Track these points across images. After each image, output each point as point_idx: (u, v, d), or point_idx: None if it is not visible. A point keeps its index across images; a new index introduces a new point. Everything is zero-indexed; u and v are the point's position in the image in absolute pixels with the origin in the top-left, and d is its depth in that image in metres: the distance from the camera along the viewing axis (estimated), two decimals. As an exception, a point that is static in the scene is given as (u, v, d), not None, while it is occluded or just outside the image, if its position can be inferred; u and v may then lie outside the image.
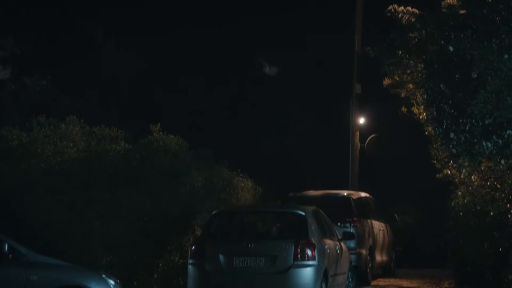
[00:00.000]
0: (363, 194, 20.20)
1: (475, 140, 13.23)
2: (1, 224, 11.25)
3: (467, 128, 13.23)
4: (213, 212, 14.04)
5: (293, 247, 12.84)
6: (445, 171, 16.71)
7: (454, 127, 13.44)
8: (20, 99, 20.14)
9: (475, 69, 12.96)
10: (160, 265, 14.28)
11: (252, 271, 12.82)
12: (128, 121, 17.75)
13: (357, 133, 24.22)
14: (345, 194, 19.36)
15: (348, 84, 24.24)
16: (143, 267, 13.94)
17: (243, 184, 17.44)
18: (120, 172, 14.10)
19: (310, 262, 12.83)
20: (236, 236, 13.38)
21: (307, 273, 12.79)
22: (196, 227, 15.18)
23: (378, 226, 20.10)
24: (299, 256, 12.80)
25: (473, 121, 13.05)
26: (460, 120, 13.26)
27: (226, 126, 26.45)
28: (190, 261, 13.12)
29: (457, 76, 13.27)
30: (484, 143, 13.06)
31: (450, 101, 13.40)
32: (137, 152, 14.71)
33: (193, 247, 13.15)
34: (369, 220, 19.32)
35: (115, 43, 24.35)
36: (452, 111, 13.39)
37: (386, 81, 18.11)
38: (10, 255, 9.74)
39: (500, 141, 13.03)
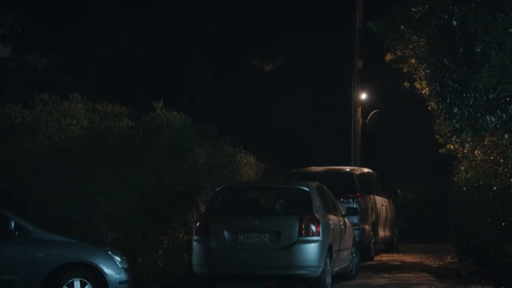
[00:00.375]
0: (366, 170, 20.26)
1: (479, 115, 13.22)
2: (6, 201, 11.24)
3: (470, 102, 13.21)
4: (217, 189, 14.05)
5: (297, 222, 12.85)
6: (448, 146, 16.71)
7: (457, 101, 13.42)
8: (21, 77, 20.05)
9: (479, 43, 12.91)
10: (165, 241, 14.29)
11: (257, 247, 12.84)
12: (131, 98, 17.67)
13: (359, 109, 24.21)
14: (348, 169, 19.42)
15: (350, 60, 24.19)
16: (148, 243, 13.93)
17: (246, 161, 17.40)
18: (124, 149, 14.05)
19: (315, 238, 12.84)
20: (241, 212, 13.37)
21: (311, 248, 12.81)
22: (200, 203, 15.17)
23: (381, 201, 20.17)
24: (303, 231, 12.82)
25: (477, 95, 13.03)
26: (464, 95, 13.24)
27: (227, 102, 26.39)
28: (195, 237, 13.16)
29: (460, 50, 13.22)
30: (488, 117, 13.05)
31: (454, 76, 13.37)
32: (141, 129, 14.68)
33: (198, 224, 13.18)
34: (372, 196, 19.39)
35: (118, 16, 24.15)
36: (456, 85, 13.36)
37: (388, 56, 18.07)
38: (17, 232, 9.75)
39: (504, 116, 13.02)
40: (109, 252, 10.56)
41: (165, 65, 25.94)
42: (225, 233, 12.95)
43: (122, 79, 24.40)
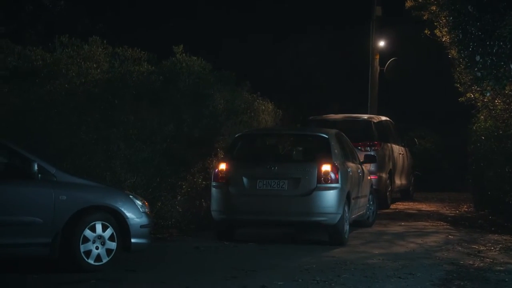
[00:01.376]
0: (383, 118, 20.26)
1: (502, 63, 13.11)
2: (28, 144, 11.29)
3: (494, 50, 13.10)
4: (236, 135, 14.05)
5: (316, 169, 12.87)
6: (468, 95, 16.65)
7: (480, 49, 13.30)
8: (39, 20, 19.96)
9: (505, -11, 12.76)
10: (184, 187, 14.30)
11: (276, 194, 12.88)
12: (150, 43, 17.60)
13: (377, 57, 24.09)
14: (366, 117, 19.42)
15: (369, 6, 23.99)
16: (166, 188, 13.95)
17: (263, 107, 17.39)
18: (144, 93, 14.01)
19: (334, 185, 12.86)
20: (259, 159, 13.36)
21: (330, 195, 12.84)
22: (218, 149, 15.17)
23: (398, 150, 20.21)
24: (322, 179, 12.84)
25: (501, 43, 12.91)
26: (487, 43, 13.12)
27: (246, 49, 26.27)
28: (214, 183, 13.22)
29: (486, -4, 13.08)
30: (511, 65, 12.94)
31: (478, 23, 13.22)
32: (161, 74, 14.61)
33: (216, 170, 13.22)
34: (389, 144, 19.42)
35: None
36: (480, 33, 13.23)
37: (408, 3, 17.91)
38: (40, 175, 9.78)
39: (528, 64, 12.92)
40: (131, 196, 10.57)
41: (182, 10, 25.79)
42: (244, 179, 12.99)
43: (140, 23, 24.32)
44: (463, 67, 14.88)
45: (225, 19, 26.62)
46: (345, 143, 14.64)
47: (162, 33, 24.07)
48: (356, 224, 15.14)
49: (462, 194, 22.09)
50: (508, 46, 12.64)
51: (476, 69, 13.49)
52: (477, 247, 13.09)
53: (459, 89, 16.70)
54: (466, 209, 19.40)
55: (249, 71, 21.39)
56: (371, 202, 15.91)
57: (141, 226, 10.50)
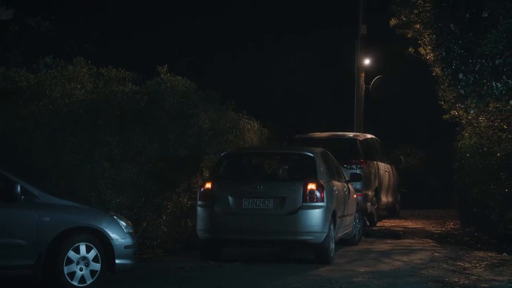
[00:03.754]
0: (369, 136, 20.23)
1: (485, 81, 13.13)
2: (11, 166, 11.22)
3: (476, 68, 13.12)
4: (222, 154, 14.06)
5: (302, 188, 12.87)
6: (452, 112, 16.67)
7: (463, 67, 13.33)
8: (24, 40, 19.90)
9: (486, 8, 12.80)
10: (169, 206, 14.29)
11: (261, 212, 12.87)
12: (134, 63, 17.57)
13: (362, 75, 24.10)
14: (352, 135, 19.39)
15: (354, 25, 24.05)
16: (152, 208, 13.93)
17: (249, 126, 17.41)
18: (128, 113, 14.00)
19: (319, 204, 12.86)
20: (245, 178, 13.38)
21: (316, 214, 12.83)
22: (204, 169, 15.18)
23: (384, 167, 20.18)
24: (308, 197, 12.83)
25: (483, 61, 12.93)
26: (470, 60, 13.15)
27: (230, 67, 26.29)
28: (199, 202, 13.19)
29: (467, 15, 13.11)
30: (494, 83, 12.97)
31: (460, 41, 13.27)
32: (145, 94, 14.62)
33: (202, 189, 13.19)
34: (375, 162, 19.39)
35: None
36: (462, 51, 13.27)
37: (393, 22, 17.97)
38: (23, 197, 9.72)
39: (510, 82, 12.92)
40: (115, 217, 10.52)
41: (166, 29, 25.78)
42: (230, 198, 12.97)
43: (125, 44, 24.28)
44: (446, 84, 14.95)
45: (215, 34, 26.61)
46: (331, 161, 14.66)
47: (149, 50, 24.05)
48: (343, 242, 15.11)
49: (448, 211, 22.07)
50: (490, 64, 12.68)
51: (459, 86, 13.52)
52: (462, 264, 13.09)
53: (444, 106, 16.68)
54: (452, 226, 19.39)
55: (235, 89, 21.38)
56: (357, 220, 15.90)
57: (126, 247, 10.45)
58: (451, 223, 19.89)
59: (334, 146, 17.35)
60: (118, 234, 10.37)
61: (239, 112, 17.41)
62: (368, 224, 17.32)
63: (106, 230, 10.27)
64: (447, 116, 16.95)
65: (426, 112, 24.77)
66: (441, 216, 21.81)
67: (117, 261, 10.34)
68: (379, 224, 19.61)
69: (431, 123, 24.88)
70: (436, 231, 18.40)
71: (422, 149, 26.53)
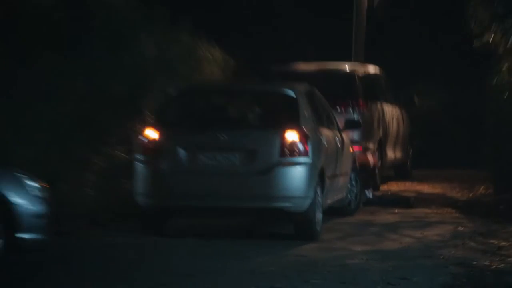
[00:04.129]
0: (371, 69, 20.23)
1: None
2: None
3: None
4: (171, 91, 14.05)
5: (279, 138, 12.91)
6: (485, 38, 16.61)
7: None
8: None
9: None
10: (98, 162, 14.31)
11: (224, 171, 12.93)
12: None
13: (365, -13, 23.93)
14: (348, 68, 19.33)
15: None
16: (74, 165, 13.93)
17: (209, 55, 17.38)
18: (45, 34, 13.94)
19: (302, 159, 12.93)
20: (202, 124, 13.41)
21: (297, 173, 12.89)
22: (146, 111, 15.18)
23: (391, 111, 20.23)
24: (287, 150, 12.88)
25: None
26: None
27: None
28: (139, 157, 13.18)
29: None
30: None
31: None
32: (66, 8, 14.51)
33: (143, 139, 13.16)
34: (379, 104, 19.43)
35: None
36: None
37: None
38: None
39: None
40: (18, 175, 10.35)
41: None
42: (181, 151, 13.01)
43: None
44: (479, 1, 14.87)
45: None
46: (319, 102, 14.66)
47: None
48: (334, 211, 15.12)
49: (477, 171, 22.06)
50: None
51: (495, 4, 13.49)
52: (496, 242, 13.10)
53: (474, 30, 16.74)
54: (482, 191, 19.46)
55: (192, 6, 21.12)
56: (353, 182, 15.92)
57: (35, 216, 10.33)
58: (482, 187, 19.93)
59: (324, 82, 17.20)
60: (24, 199, 10.23)
61: (196, 36, 17.29)
62: (368, 192, 17.25)
63: (5, 193, 10.09)
64: (478, 44, 16.93)
65: (449, 38, 24.69)
66: (468, 178, 21.82)
67: (22, 235, 10.18)
68: (383, 188, 19.64)
69: (455, 53, 24.79)
70: (461, 198, 18.48)
71: (444, 87, 26.48)
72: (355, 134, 17.46)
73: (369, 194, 17.22)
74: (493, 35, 16.38)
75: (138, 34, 15.30)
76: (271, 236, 13.46)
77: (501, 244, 12.95)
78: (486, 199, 18.18)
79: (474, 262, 11.52)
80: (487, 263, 11.51)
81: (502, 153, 17.52)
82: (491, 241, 13.21)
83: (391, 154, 20.29)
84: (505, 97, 17.13)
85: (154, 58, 15.49)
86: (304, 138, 12.94)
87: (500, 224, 14.90)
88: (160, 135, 13.07)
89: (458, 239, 13.39)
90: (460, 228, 14.45)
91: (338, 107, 17.54)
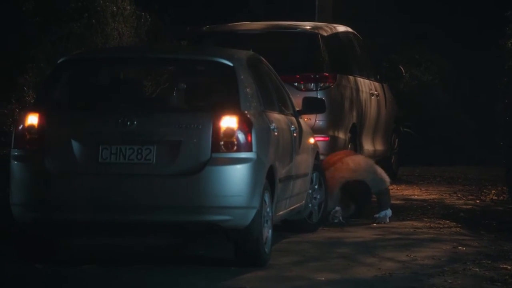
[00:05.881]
0: (341, 29, 20.42)
1: None
2: None
3: None
4: (60, 61, 13.95)
5: (210, 126, 12.95)
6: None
7: None
8: None
9: None
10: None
11: (135, 171, 12.95)
12: None
13: None
14: (309, 28, 19.41)
15: None
16: None
17: (115, 8, 17.45)
18: None
19: (243, 155, 12.99)
20: (104, 107, 13.50)
21: (236, 174, 12.95)
22: (25, 87, 15.24)
23: (368, 87, 20.33)
24: (222, 143, 12.93)
25: None
26: None
27: None
28: (16, 152, 13.17)
29: None
30: None
31: None
32: None
33: (21, 126, 13.14)
34: (351, 77, 19.60)
35: None
36: None
37: None
38: None
39: None
40: None
41: None
42: (75, 144, 13.01)
43: None
44: None
45: None
46: (267, 76, 14.78)
47: None
48: (288, 226, 15.39)
49: (487, 169, 22.35)
50: None
51: None
52: (509, 268, 13.26)
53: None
54: (493, 198, 19.64)
55: None
56: (315, 186, 16.03)
57: None
58: (492, 191, 20.13)
59: (275, 48, 17.45)
60: None
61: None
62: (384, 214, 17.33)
63: None
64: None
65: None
66: (475, 178, 22.08)
67: None
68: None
69: (460, 11, 25.04)
70: (464, 207, 18.73)
71: (442, 53, 26.70)
72: (319, 120, 17.63)
73: (386, 217, 17.26)
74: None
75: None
76: (201, 261, 13.52)
77: (517, 270, 13.18)
78: (498, 208, 18.48)
79: (479, 297, 11.75)
80: (497, 298, 11.75)
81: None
82: (502, 265, 13.35)
83: (369, 146, 20.47)
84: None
85: (34, 13, 15.57)
86: (246, 125, 12.96)
87: (518, 244, 15.17)
88: (46, 122, 13.03)
89: (457, 263, 13.51)
90: (460, 248, 14.60)
91: (296, 82, 17.74)
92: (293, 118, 15.07)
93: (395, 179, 21.79)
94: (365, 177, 16.80)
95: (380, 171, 17.08)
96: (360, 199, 16.90)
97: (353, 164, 16.87)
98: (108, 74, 14.45)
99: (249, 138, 12.98)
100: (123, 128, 12.98)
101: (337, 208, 16.76)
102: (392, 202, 18.71)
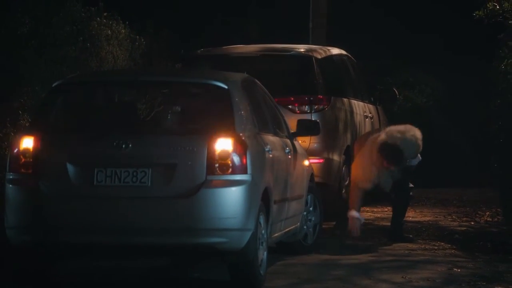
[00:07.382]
0: (335, 52, 20.39)
1: None
2: None
3: None
4: (55, 84, 13.99)
5: (206, 148, 12.95)
6: (489, 5, 16.79)
7: None
8: None
9: None
10: None
11: (130, 194, 12.92)
12: None
13: None
14: (303, 50, 19.40)
15: None
16: None
17: (109, 32, 17.50)
18: None
19: (238, 177, 12.98)
20: (99, 130, 13.46)
21: (231, 196, 12.93)
22: (20, 111, 15.24)
23: (362, 109, 20.37)
24: (217, 165, 12.92)
25: None
26: None
27: None
28: (11, 176, 13.18)
29: None
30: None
31: None
32: None
33: (16, 150, 13.16)
34: (345, 99, 19.57)
35: None
36: None
37: None
38: None
39: None
40: None
41: None
42: (70, 168, 13.02)
43: None
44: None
45: None
46: (261, 99, 14.80)
47: None
48: (283, 249, 15.38)
49: (482, 191, 22.35)
50: None
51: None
52: (504, 291, 13.32)
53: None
54: (488, 219, 19.63)
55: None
56: (310, 208, 16.06)
57: None
58: (487, 213, 20.11)
59: (269, 71, 17.45)
60: None
61: (90, 6, 17.44)
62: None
63: None
64: (481, 13, 17.23)
65: (443, 6, 24.94)
66: (470, 200, 22.07)
67: None
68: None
69: (452, 28, 25.05)
70: (459, 228, 18.71)
71: (436, 75, 26.71)
72: (312, 142, 17.62)
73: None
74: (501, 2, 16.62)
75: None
76: (196, 284, 13.55)
77: (512, 292, 13.17)
78: (492, 230, 18.43)
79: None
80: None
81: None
82: (497, 287, 13.38)
83: (364, 168, 20.43)
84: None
85: (30, 35, 15.60)
86: (240, 147, 12.96)
87: (511, 264, 15.12)
88: (41, 146, 13.05)
89: (452, 284, 13.53)
90: (455, 270, 14.60)
91: (290, 104, 17.75)
92: (288, 140, 15.07)
93: (389, 201, 21.80)
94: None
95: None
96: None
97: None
98: (102, 97, 14.43)
99: (244, 160, 12.96)
100: (118, 151, 12.97)
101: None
102: (384, 224, 18.80)
